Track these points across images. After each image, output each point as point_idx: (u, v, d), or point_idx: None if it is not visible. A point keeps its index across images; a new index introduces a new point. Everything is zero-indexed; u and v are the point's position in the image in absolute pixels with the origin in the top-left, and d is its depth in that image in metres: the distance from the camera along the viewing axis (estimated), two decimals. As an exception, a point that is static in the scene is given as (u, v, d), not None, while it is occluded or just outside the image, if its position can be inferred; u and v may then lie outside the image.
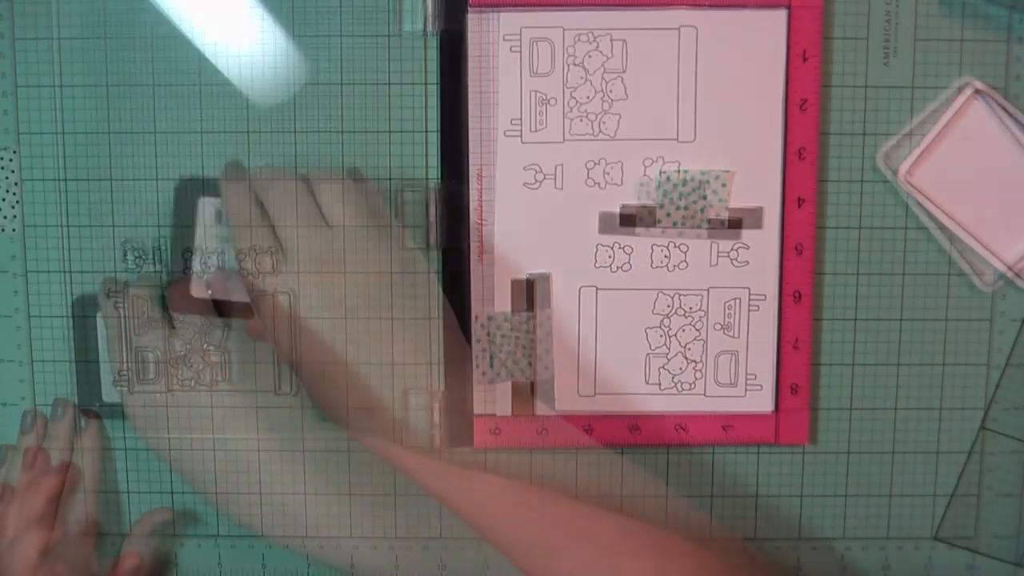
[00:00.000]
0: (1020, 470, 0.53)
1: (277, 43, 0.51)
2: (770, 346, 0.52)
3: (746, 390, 0.52)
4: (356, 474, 0.48)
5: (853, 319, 0.52)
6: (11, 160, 0.52)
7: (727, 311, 0.52)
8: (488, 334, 0.52)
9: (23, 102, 0.52)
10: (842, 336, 0.53)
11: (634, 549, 0.45)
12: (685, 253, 0.51)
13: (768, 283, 0.51)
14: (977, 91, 0.51)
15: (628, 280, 0.51)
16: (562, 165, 0.51)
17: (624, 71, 0.50)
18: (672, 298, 0.51)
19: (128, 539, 0.54)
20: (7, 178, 0.52)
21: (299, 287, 0.47)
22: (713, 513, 0.54)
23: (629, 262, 0.51)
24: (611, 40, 0.50)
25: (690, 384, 0.52)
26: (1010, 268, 0.51)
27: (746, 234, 0.51)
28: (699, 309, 0.52)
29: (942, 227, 0.51)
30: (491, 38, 0.50)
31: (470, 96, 0.50)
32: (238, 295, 0.51)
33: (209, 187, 0.51)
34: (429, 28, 0.51)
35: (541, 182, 0.51)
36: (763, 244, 0.51)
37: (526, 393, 0.52)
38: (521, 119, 0.50)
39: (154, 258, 0.52)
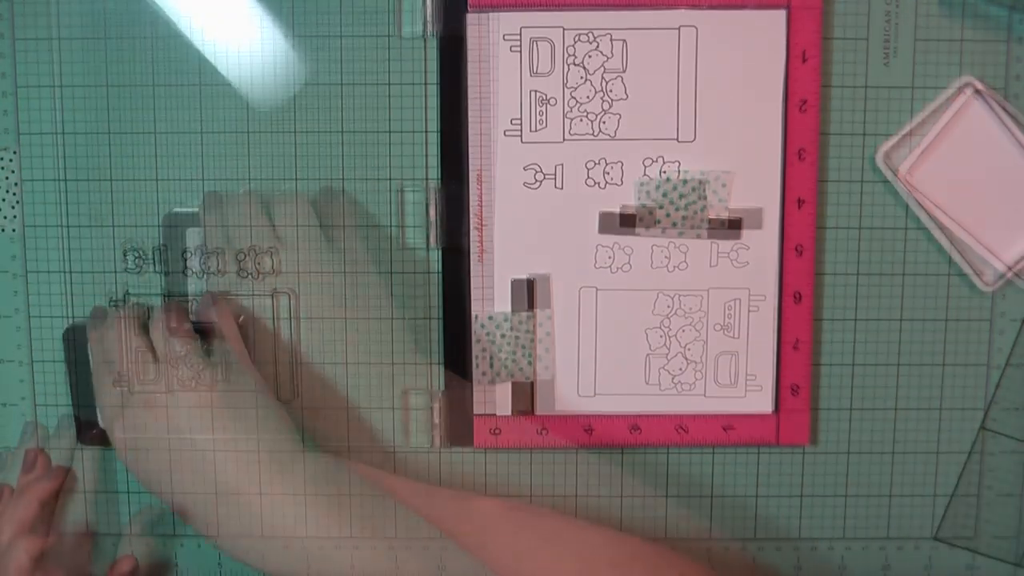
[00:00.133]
0: (1020, 470, 0.53)
1: (277, 44, 0.51)
2: (770, 347, 0.52)
3: (746, 391, 0.52)
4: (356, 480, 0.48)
5: (853, 319, 0.52)
6: (11, 160, 0.52)
7: (727, 312, 0.52)
8: (488, 334, 0.52)
9: (23, 102, 0.52)
10: (842, 336, 0.53)
11: (628, 567, 0.45)
12: (685, 254, 0.51)
13: (768, 283, 0.51)
14: (977, 91, 0.51)
15: (628, 280, 0.51)
16: (562, 165, 0.51)
17: (624, 71, 0.50)
18: (672, 298, 0.51)
19: (123, 540, 0.54)
20: (7, 178, 0.52)
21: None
22: (713, 513, 0.54)
23: (629, 262, 0.51)
24: (611, 40, 0.50)
25: (690, 384, 0.52)
26: (1010, 268, 0.51)
27: (746, 234, 0.51)
28: (699, 310, 0.52)
29: (942, 227, 0.51)
30: (491, 39, 0.50)
31: (470, 96, 0.50)
32: (224, 321, 0.51)
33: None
34: (428, 30, 0.51)
35: (541, 182, 0.51)
36: (763, 244, 0.51)
37: (526, 393, 0.52)
38: (521, 119, 0.50)
39: (154, 259, 0.52)
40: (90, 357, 0.52)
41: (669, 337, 0.52)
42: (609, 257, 0.51)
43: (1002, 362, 0.53)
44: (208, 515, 0.45)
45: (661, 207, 0.51)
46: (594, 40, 0.50)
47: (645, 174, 0.51)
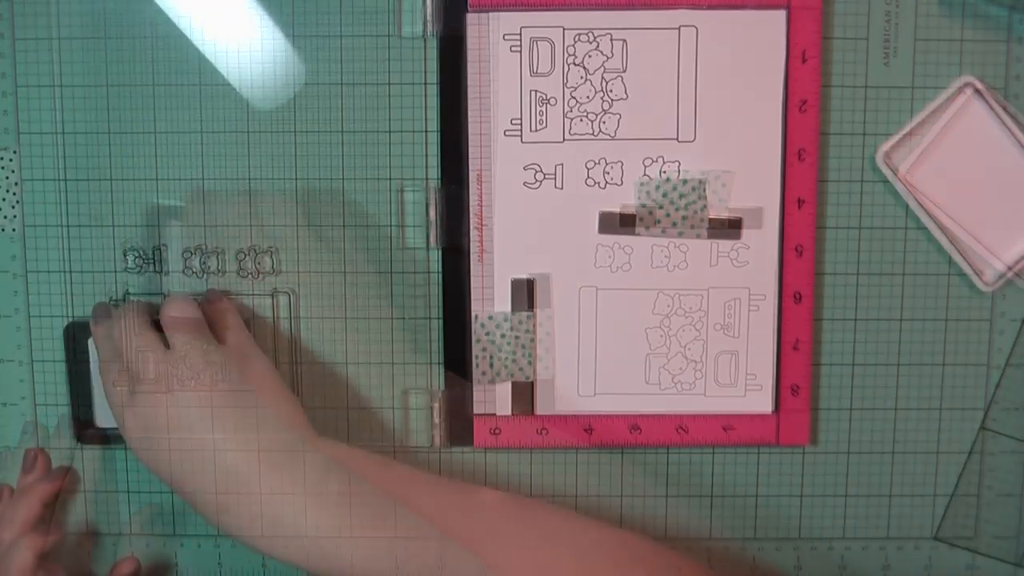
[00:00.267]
0: (1020, 470, 0.53)
1: (277, 44, 0.51)
2: (770, 347, 0.52)
3: (746, 391, 0.52)
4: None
5: (853, 319, 0.52)
6: (11, 160, 0.52)
7: (727, 311, 0.52)
8: (488, 334, 0.52)
9: (23, 102, 0.52)
10: (842, 336, 0.53)
11: (626, 563, 0.45)
12: (685, 253, 0.51)
13: (768, 283, 0.51)
14: (977, 91, 0.51)
15: (628, 280, 0.51)
16: (562, 165, 0.51)
17: (624, 71, 0.50)
18: (672, 298, 0.51)
19: (122, 540, 0.54)
20: (7, 178, 0.52)
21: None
22: (713, 513, 0.54)
23: (629, 262, 0.51)
24: (611, 40, 0.50)
25: (690, 384, 0.52)
26: (1010, 268, 0.51)
27: (746, 234, 0.51)
28: (699, 309, 0.52)
29: (942, 227, 0.51)
30: (491, 39, 0.50)
31: (470, 96, 0.50)
32: (231, 314, 0.51)
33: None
34: (428, 30, 0.51)
35: (541, 182, 0.51)
36: (763, 244, 0.51)
37: (526, 393, 0.52)
38: (521, 119, 0.50)
39: (154, 258, 0.52)
40: (91, 353, 0.52)
41: (669, 337, 0.52)
42: (609, 257, 0.51)
43: (1002, 362, 0.53)
44: (218, 504, 0.45)
45: (661, 207, 0.51)
46: (594, 40, 0.50)
47: (645, 174, 0.51)
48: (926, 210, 0.51)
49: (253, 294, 0.53)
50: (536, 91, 0.50)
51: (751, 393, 0.52)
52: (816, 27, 0.50)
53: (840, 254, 0.52)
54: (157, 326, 0.49)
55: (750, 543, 0.54)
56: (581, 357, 0.52)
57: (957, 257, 0.51)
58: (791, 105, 0.50)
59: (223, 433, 0.45)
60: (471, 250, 0.51)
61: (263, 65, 0.51)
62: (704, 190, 0.51)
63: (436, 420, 0.53)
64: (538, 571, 0.44)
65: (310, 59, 0.51)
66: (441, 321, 0.53)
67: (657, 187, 0.51)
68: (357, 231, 0.52)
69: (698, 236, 0.51)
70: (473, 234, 0.51)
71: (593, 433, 0.52)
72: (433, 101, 0.51)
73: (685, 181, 0.51)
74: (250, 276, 0.53)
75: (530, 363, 0.52)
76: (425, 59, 0.51)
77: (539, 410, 0.52)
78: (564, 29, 0.50)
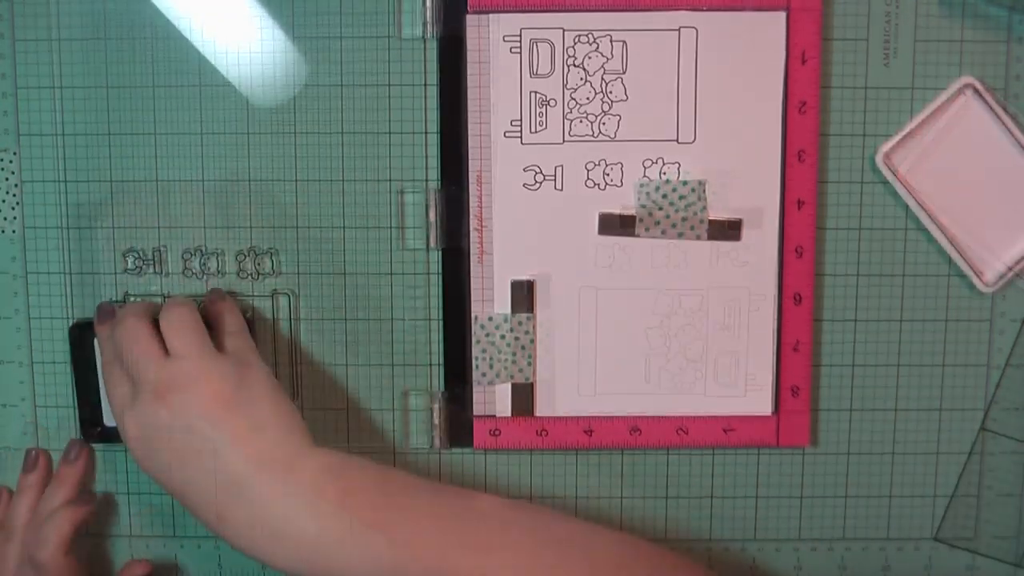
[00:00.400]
0: (1020, 470, 0.53)
1: (277, 44, 0.51)
2: (770, 348, 0.52)
3: (746, 391, 0.52)
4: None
5: (853, 320, 0.52)
6: (11, 161, 0.52)
7: (727, 312, 0.52)
8: (488, 335, 0.52)
9: (23, 103, 0.52)
10: (842, 337, 0.53)
11: (627, 566, 0.45)
12: (685, 254, 0.51)
13: (768, 284, 0.51)
14: (977, 91, 0.50)
15: (628, 281, 0.51)
16: (562, 166, 0.51)
17: (624, 72, 0.50)
18: (672, 299, 0.51)
19: (122, 541, 0.54)
20: (7, 179, 0.52)
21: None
22: (713, 514, 0.54)
23: (629, 263, 0.51)
24: (611, 41, 0.50)
25: (690, 385, 0.52)
26: (1010, 268, 0.51)
27: (746, 235, 0.51)
28: (699, 310, 0.52)
29: (942, 228, 0.51)
30: (490, 40, 0.50)
31: (470, 98, 0.50)
32: (233, 315, 0.51)
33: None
34: (428, 31, 0.51)
35: (541, 183, 0.51)
36: (763, 245, 0.51)
37: (526, 394, 0.52)
38: (521, 120, 0.50)
39: (154, 260, 0.52)
40: (96, 353, 0.51)
41: (669, 338, 0.52)
42: (609, 258, 0.51)
43: (1002, 362, 0.53)
44: (215, 511, 0.45)
45: (661, 208, 0.51)
46: (594, 41, 0.50)
47: (645, 175, 0.51)
48: (926, 211, 0.51)
49: (253, 295, 0.53)
50: (536, 92, 0.50)
51: (751, 394, 0.52)
52: (816, 28, 0.50)
53: (840, 255, 0.52)
54: (158, 328, 0.48)
55: (750, 544, 0.54)
56: (581, 358, 0.52)
57: (957, 257, 0.51)
58: (791, 106, 0.50)
59: (221, 441, 0.44)
60: (471, 251, 0.51)
61: (263, 66, 0.51)
62: (704, 191, 0.51)
63: (436, 421, 0.53)
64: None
65: (310, 60, 0.51)
66: (441, 322, 0.53)
67: (657, 188, 0.51)
68: (357, 232, 0.52)
69: (698, 237, 0.51)
70: (473, 235, 0.51)
71: (593, 434, 0.52)
72: (433, 102, 0.51)
73: (685, 182, 0.51)
74: (250, 277, 0.53)
75: (530, 364, 0.52)
76: (425, 60, 0.51)
77: (539, 411, 0.52)
78: (564, 30, 0.50)
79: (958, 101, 0.51)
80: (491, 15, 0.50)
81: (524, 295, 0.51)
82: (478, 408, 0.52)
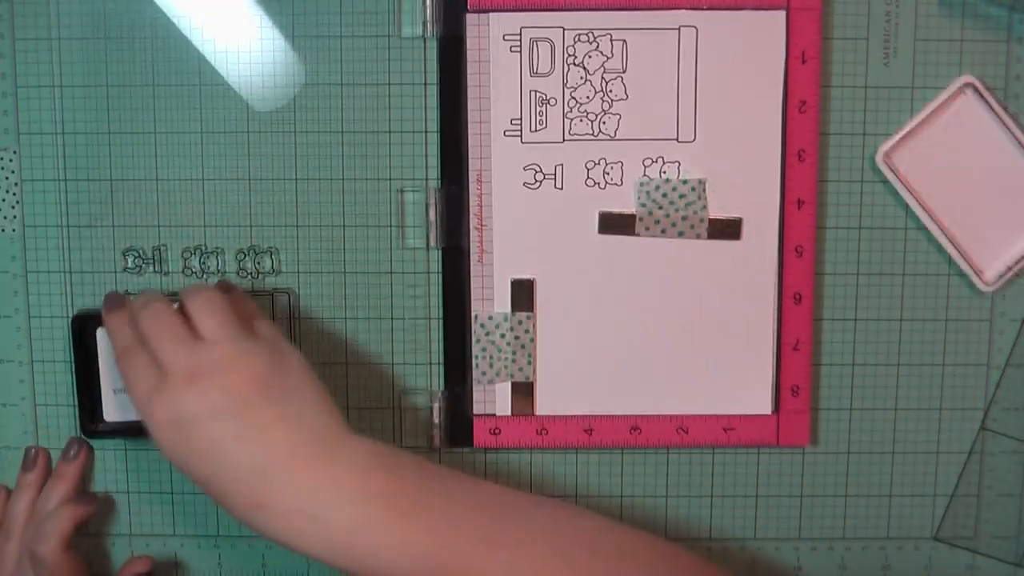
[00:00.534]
0: (1020, 470, 0.53)
1: (277, 44, 0.51)
2: (770, 347, 0.52)
3: (746, 391, 0.52)
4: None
5: (853, 320, 0.52)
6: (11, 160, 0.52)
7: (727, 311, 0.51)
8: (488, 334, 0.52)
9: (23, 102, 0.52)
10: (842, 337, 0.53)
11: (644, 560, 0.44)
12: (685, 253, 0.51)
13: (768, 284, 0.51)
14: (977, 91, 0.51)
15: (628, 280, 0.51)
16: (562, 165, 0.51)
17: (624, 71, 0.50)
18: (672, 298, 0.51)
19: (122, 539, 0.54)
20: (7, 178, 0.52)
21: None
22: (713, 513, 0.54)
23: (629, 262, 0.51)
24: (611, 40, 0.50)
25: (690, 384, 0.52)
26: (1010, 268, 0.51)
27: (746, 235, 0.51)
28: (699, 309, 0.52)
29: (942, 227, 0.51)
30: (490, 39, 0.50)
31: (470, 97, 0.50)
32: (249, 304, 0.49)
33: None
34: (428, 30, 0.51)
35: (541, 182, 0.51)
36: (763, 245, 0.51)
37: (526, 393, 0.52)
38: (521, 119, 0.50)
39: (154, 258, 0.52)
40: (99, 345, 0.51)
41: (669, 337, 0.52)
42: (609, 257, 0.51)
43: (1002, 362, 0.53)
44: (249, 498, 0.43)
45: (661, 208, 0.51)
46: (594, 40, 0.50)
47: (645, 174, 0.51)
48: (926, 210, 0.51)
49: (253, 294, 0.53)
50: (536, 91, 0.50)
51: (751, 394, 0.52)
52: (816, 27, 0.50)
53: (840, 254, 0.52)
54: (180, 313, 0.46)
55: (750, 544, 0.54)
56: (581, 357, 0.52)
57: (957, 257, 0.51)
58: (791, 105, 0.50)
59: (257, 427, 0.43)
60: (471, 250, 0.51)
61: (263, 65, 0.51)
62: (704, 190, 0.51)
63: (436, 420, 0.53)
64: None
65: (310, 59, 0.51)
66: (441, 321, 0.53)
67: (657, 187, 0.51)
68: (357, 231, 0.52)
69: (698, 237, 0.51)
70: (473, 234, 0.51)
71: (593, 433, 0.52)
72: (433, 102, 0.51)
73: (685, 181, 0.51)
74: (250, 276, 0.53)
75: (530, 363, 0.52)
76: (425, 60, 0.51)
77: (539, 410, 0.52)
78: (564, 29, 0.50)
79: (958, 101, 0.51)
80: (491, 14, 0.50)
81: (524, 294, 0.51)
82: (478, 407, 0.52)
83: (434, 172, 0.52)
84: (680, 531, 0.54)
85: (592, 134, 0.51)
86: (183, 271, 0.52)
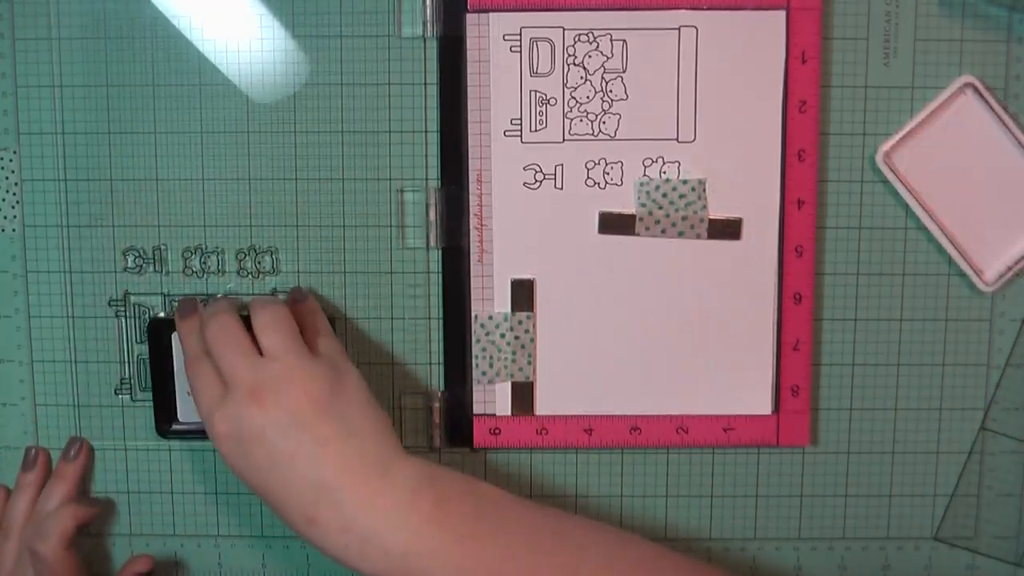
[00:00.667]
0: (1020, 470, 0.53)
1: (277, 44, 0.51)
2: (770, 347, 0.52)
3: (746, 390, 0.52)
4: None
5: (853, 319, 0.52)
6: (11, 160, 0.52)
7: (727, 311, 0.51)
8: (488, 334, 0.52)
9: (23, 102, 0.52)
10: (842, 337, 0.53)
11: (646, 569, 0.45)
12: (685, 253, 0.51)
13: (768, 284, 0.51)
14: (977, 91, 0.51)
15: (628, 280, 0.51)
16: (562, 165, 0.51)
17: (624, 71, 0.50)
18: (672, 298, 0.51)
19: (122, 539, 0.54)
20: (7, 178, 0.52)
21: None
22: (713, 513, 0.54)
23: (629, 262, 0.51)
24: (611, 40, 0.50)
25: (690, 384, 0.52)
26: (1010, 268, 0.51)
27: (746, 234, 0.51)
28: (699, 309, 0.52)
29: (942, 227, 0.51)
30: (490, 39, 0.50)
31: (470, 97, 0.50)
32: (319, 317, 0.49)
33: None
34: (428, 30, 0.51)
35: (541, 182, 0.51)
36: (763, 245, 0.51)
37: (526, 393, 0.52)
38: (521, 119, 0.50)
39: (154, 258, 0.52)
40: (174, 350, 0.51)
41: (669, 337, 0.52)
42: (609, 257, 0.51)
43: (1002, 362, 0.53)
44: (306, 514, 0.44)
45: (661, 208, 0.51)
46: (594, 40, 0.50)
47: (645, 174, 0.51)
48: (926, 210, 0.51)
49: (253, 294, 0.53)
50: (536, 91, 0.50)
51: (751, 394, 0.52)
52: (816, 27, 0.50)
53: (840, 254, 0.52)
54: (246, 325, 0.47)
55: (750, 544, 0.54)
56: (581, 357, 0.52)
57: (957, 257, 0.51)
58: (791, 105, 0.50)
59: (314, 445, 0.43)
60: (471, 250, 0.51)
61: (263, 65, 0.51)
62: (704, 190, 0.51)
63: (436, 420, 0.53)
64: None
65: (310, 59, 0.51)
66: (441, 321, 0.53)
67: (657, 187, 0.51)
68: (357, 231, 0.52)
69: (698, 237, 0.51)
70: (473, 234, 0.51)
71: (593, 433, 0.52)
72: (433, 101, 0.51)
73: (685, 181, 0.51)
74: (250, 276, 0.53)
75: (530, 363, 0.52)
76: (425, 59, 0.51)
77: (539, 410, 0.52)
78: (564, 29, 0.50)
79: (958, 100, 0.51)
80: (491, 14, 0.50)
81: (524, 294, 0.51)
82: (478, 407, 0.52)
83: (434, 172, 0.52)
84: (680, 531, 0.54)
85: (592, 134, 0.51)
86: (183, 271, 0.52)
